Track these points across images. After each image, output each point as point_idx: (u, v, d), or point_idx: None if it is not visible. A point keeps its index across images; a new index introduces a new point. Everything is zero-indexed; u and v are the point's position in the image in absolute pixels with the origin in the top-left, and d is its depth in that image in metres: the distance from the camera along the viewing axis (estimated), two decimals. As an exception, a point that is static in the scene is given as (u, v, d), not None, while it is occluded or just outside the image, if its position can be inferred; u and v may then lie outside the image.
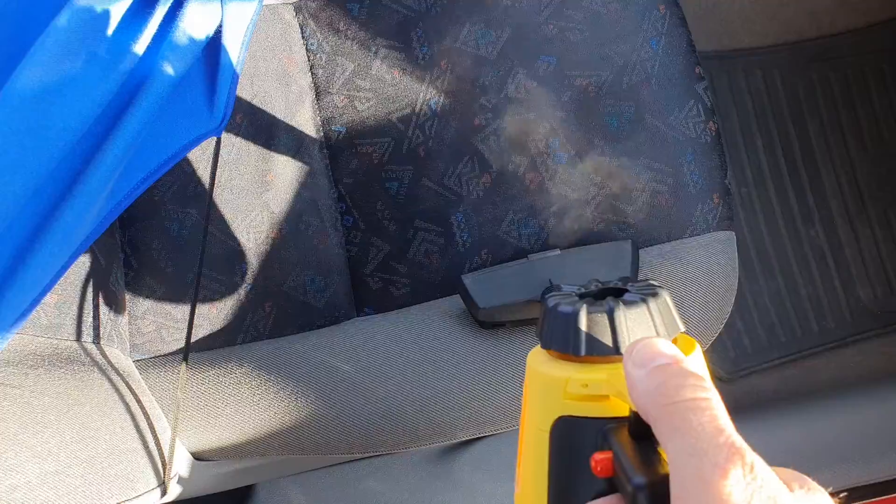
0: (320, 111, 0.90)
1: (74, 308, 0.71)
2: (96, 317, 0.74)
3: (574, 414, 0.36)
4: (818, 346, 1.16)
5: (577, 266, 0.77)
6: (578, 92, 0.86)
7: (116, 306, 0.78)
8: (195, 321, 0.83)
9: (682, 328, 0.38)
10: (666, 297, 0.38)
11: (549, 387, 0.38)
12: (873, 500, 0.99)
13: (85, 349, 0.71)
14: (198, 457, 0.80)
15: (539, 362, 0.39)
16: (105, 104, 0.63)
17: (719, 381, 1.15)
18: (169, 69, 0.67)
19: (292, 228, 0.86)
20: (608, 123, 0.85)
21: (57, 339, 0.69)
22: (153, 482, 0.68)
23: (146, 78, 0.66)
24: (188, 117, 0.71)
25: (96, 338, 0.73)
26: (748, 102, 1.24)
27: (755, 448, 0.29)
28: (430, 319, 0.82)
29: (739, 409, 1.11)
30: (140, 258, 0.84)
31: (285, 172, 0.88)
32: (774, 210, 1.21)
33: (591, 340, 0.37)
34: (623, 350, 0.36)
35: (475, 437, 0.81)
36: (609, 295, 0.40)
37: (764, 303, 1.18)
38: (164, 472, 0.69)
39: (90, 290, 0.74)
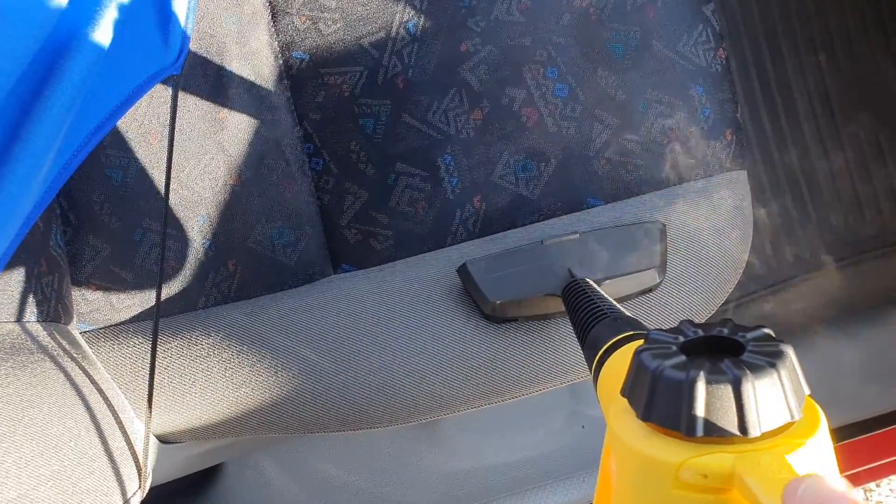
0: (278, 35, 0.78)
1: (12, 283, 0.60)
2: (38, 290, 0.62)
3: None
4: (793, 278, 1.13)
5: (600, 252, 0.68)
6: (578, 14, 0.76)
7: (60, 274, 0.66)
8: (146, 284, 0.72)
9: (808, 391, 0.31)
10: (791, 354, 0.31)
11: (653, 472, 0.30)
12: (858, 438, 0.97)
13: (30, 332, 0.59)
14: (163, 439, 0.71)
15: (635, 437, 0.31)
16: (43, 39, 0.50)
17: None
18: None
19: (253, 174, 0.75)
20: (612, 50, 0.76)
21: (-6, 323, 0.58)
22: (130, 489, 0.58)
23: (88, 8, 0.53)
24: (140, 52, 0.58)
25: (41, 315, 0.62)
26: (722, 21, 1.17)
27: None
28: (421, 278, 0.73)
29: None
30: (79, 213, 0.71)
31: (241, 108, 0.76)
32: (749, 135, 1.16)
33: (712, 419, 0.29)
34: (752, 431, 0.29)
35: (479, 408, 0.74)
36: (716, 347, 0.33)
37: (737, 233, 1.13)
38: (140, 476, 0.59)
39: (28, 258, 0.62)
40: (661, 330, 0.35)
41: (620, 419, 0.33)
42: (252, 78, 0.76)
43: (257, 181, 0.75)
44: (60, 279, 0.66)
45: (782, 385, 0.30)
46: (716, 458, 0.29)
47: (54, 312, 0.64)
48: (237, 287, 0.74)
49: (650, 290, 0.70)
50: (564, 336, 0.71)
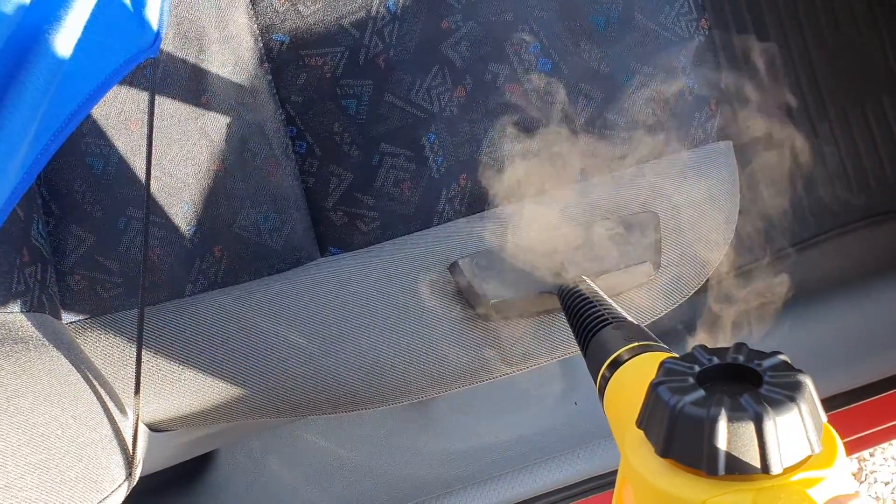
0: (257, 17, 0.77)
1: (-7, 275, 0.59)
2: (21, 281, 0.61)
3: None
4: (782, 249, 1.13)
5: (594, 247, 0.67)
6: (560, -12, 0.76)
7: (43, 264, 0.65)
8: (131, 273, 0.72)
9: (825, 419, 0.31)
10: (809, 384, 0.30)
11: None
12: (850, 406, 0.97)
13: (14, 323, 0.58)
14: (154, 428, 0.70)
15: (654, 473, 0.31)
16: (16, 24, 0.49)
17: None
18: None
19: (237, 158, 0.74)
20: (594, 23, 0.76)
21: (-24, 314, 0.57)
22: (119, 476, 0.57)
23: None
24: (116, 35, 0.57)
25: (25, 306, 0.61)
26: (704, -7, 1.16)
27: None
28: (409, 258, 0.72)
29: (714, 322, 1.07)
30: (61, 202, 0.71)
31: (222, 92, 0.75)
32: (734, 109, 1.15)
33: (734, 457, 0.29)
34: (773, 468, 0.29)
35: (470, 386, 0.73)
36: (734, 377, 0.32)
37: (726, 207, 1.13)
38: (130, 465, 0.59)
39: (10, 249, 0.61)
40: (675, 358, 0.34)
41: (637, 452, 0.32)
42: (232, 62, 0.76)
43: (241, 166, 0.74)
44: (44, 269, 0.66)
45: (803, 420, 0.29)
46: (736, 495, 0.29)
47: (38, 303, 0.63)
48: (224, 273, 0.73)
49: (644, 283, 0.70)
50: (554, 312, 0.71)
